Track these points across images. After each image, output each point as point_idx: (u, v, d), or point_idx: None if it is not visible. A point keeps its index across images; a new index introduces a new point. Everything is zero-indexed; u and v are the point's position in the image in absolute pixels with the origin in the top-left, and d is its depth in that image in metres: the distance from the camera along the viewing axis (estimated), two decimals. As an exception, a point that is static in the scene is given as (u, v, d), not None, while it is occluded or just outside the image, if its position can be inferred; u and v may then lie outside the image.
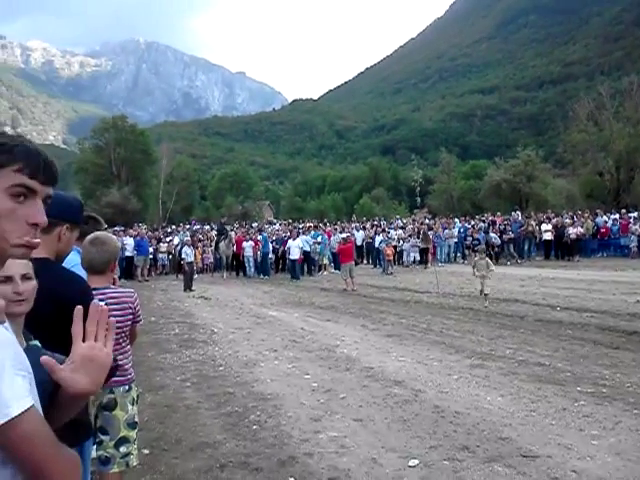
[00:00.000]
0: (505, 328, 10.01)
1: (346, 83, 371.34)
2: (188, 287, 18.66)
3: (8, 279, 1.87)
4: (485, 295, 12.90)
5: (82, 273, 3.05)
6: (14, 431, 1.07)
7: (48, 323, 2.03)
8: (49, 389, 1.30)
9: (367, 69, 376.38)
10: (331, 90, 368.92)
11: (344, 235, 21.34)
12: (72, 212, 2.61)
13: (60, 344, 1.85)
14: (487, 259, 13.55)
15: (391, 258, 22.56)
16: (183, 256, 19.45)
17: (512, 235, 24.35)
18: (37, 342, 1.71)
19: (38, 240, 1.22)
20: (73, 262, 3.09)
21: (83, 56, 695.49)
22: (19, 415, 1.08)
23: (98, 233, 3.34)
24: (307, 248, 22.85)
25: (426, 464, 4.42)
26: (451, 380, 6.83)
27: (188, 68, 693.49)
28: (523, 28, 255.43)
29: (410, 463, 4.44)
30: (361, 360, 8.01)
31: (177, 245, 24.96)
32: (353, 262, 18.73)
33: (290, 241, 22.36)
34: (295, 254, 21.78)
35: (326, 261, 24.18)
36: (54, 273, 2.30)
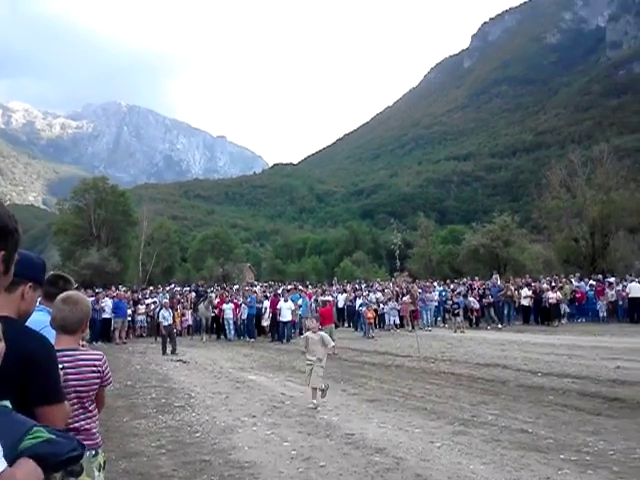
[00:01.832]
0: (487, 393, 9.93)
1: (325, 148, 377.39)
2: (167, 350, 18.27)
3: None
4: (322, 391, 9.39)
5: (51, 334, 2.99)
6: None
7: (10, 381, 1.99)
8: (11, 454, 1.27)
9: (345, 135, 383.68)
10: (311, 155, 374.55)
11: (324, 298, 21.25)
12: (35, 270, 2.55)
13: (22, 402, 1.81)
14: (322, 333, 10.21)
15: (372, 321, 22.46)
16: (160, 319, 19.12)
17: (492, 299, 24.47)
18: (7, 403, 1.66)
19: None
20: (43, 324, 3.04)
21: (64, 118, 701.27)
22: None
23: (70, 292, 3.29)
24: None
25: (409, 536, 4.29)
26: (433, 447, 6.71)
27: (169, 132, 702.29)
28: (495, 98, 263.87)
29: (393, 535, 4.31)
30: (341, 426, 7.86)
31: (156, 307, 24.69)
32: (333, 325, 18.52)
33: (281, 302, 22.02)
34: (287, 316, 21.52)
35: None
36: (16, 331, 2.25)
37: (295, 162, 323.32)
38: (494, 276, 27.56)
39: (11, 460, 1.25)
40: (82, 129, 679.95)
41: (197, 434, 7.77)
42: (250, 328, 23.47)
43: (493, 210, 51.72)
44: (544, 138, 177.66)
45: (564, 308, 24.73)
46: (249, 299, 23.75)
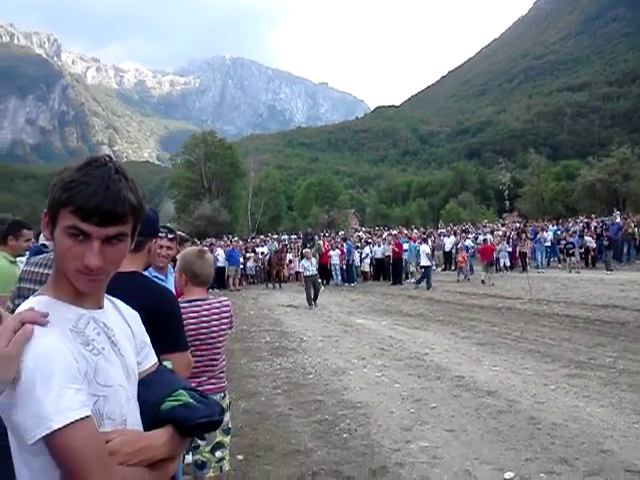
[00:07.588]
0: (604, 335, 9.54)
1: (428, 87, 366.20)
2: (312, 301, 16.74)
3: None
4: None
5: None
6: (57, 442, 1.12)
7: None
8: (152, 412, 1.35)
9: (449, 72, 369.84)
10: (413, 95, 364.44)
11: (483, 237, 22.51)
12: (156, 226, 2.79)
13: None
14: None
15: (462, 265, 21.84)
16: (301, 270, 18.18)
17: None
18: (168, 363, 1.72)
19: (95, 277, 1.26)
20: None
21: (173, 75, 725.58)
22: (61, 428, 1.11)
23: (201, 248, 3.52)
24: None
25: (522, 477, 4.28)
26: (547, 390, 6.59)
27: (272, 81, 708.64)
28: (612, 22, 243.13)
29: (505, 476, 4.32)
30: (451, 369, 7.87)
31: (266, 255, 25.57)
32: (487, 263, 19.95)
33: (422, 246, 21.35)
34: (426, 260, 20.50)
35: (412, 268, 23.79)
36: (143, 286, 2.43)
37: (397, 104, 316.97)
38: (614, 213, 25.96)
39: (152, 418, 1.35)
40: (189, 85, 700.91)
41: (310, 376, 8.07)
42: (350, 274, 23.95)
43: (611, 143, 48.51)
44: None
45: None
46: (344, 246, 24.26)
